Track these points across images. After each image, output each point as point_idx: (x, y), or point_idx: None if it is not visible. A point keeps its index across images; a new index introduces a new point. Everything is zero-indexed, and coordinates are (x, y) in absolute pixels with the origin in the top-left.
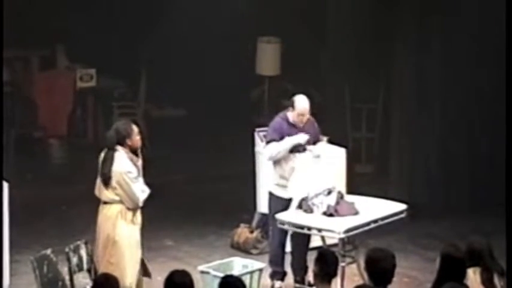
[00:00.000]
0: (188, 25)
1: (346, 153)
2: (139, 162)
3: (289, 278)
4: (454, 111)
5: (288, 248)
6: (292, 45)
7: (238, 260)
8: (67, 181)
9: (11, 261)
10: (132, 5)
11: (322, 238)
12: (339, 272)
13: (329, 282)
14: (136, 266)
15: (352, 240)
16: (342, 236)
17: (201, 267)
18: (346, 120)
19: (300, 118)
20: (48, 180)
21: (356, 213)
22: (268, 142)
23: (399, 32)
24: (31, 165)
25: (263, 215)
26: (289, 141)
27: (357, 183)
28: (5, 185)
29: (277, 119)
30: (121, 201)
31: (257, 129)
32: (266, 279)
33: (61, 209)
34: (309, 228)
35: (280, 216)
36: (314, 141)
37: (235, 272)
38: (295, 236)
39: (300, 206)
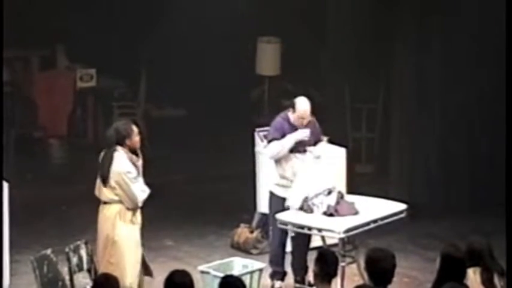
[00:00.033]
0: (188, 25)
1: (346, 153)
2: (140, 162)
3: (290, 278)
4: (454, 111)
5: (288, 247)
6: (292, 45)
7: (238, 260)
8: (67, 181)
9: (11, 261)
10: (132, 5)
11: (322, 238)
12: (339, 272)
13: (329, 282)
14: (137, 266)
15: (352, 240)
16: (342, 235)
17: (201, 267)
18: (346, 120)
19: (300, 121)
20: (48, 180)
21: (356, 213)
22: (269, 141)
23: (399, 32)
24: (31, 165)
25: (263, 215)
26: (291, 139)
27: (357, 183)
28: (5, 185)
29: (278, 119)
30: (120, 201)
31: (257, 129)
32: (266, 279)
33: (61, 209)
34: (309, 228)
35: (281, 216)
36: (315, 142)
37: (235, 272)
38: (295, 236)
39: (300, 207)
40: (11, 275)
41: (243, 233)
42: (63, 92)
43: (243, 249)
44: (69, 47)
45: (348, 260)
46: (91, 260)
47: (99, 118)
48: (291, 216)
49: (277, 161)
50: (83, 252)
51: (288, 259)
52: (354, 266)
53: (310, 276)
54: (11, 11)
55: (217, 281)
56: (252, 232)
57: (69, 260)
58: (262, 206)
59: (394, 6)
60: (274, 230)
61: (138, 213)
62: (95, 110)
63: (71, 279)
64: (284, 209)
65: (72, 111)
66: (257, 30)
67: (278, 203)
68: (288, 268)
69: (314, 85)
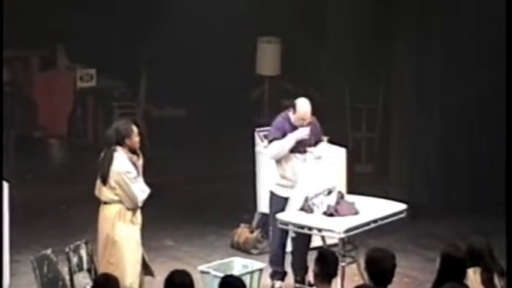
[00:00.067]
0: (188, 25)
1: (346, 153)
2: (140, 162)
3: (290, 278)
4: (454, 111)
5: (289, 247)
6: (292, 45)
7: (239, 260)
8: (67, 181)
9: (11, 261)
10: (132, 5)
11: (323, 238)
12: (339, 272)
13: (329, 282)
14: (137, 266)
15: (352, 240)
16: (342, 235)
17: (201, 267)
18: (346, 120)
19: (300, 122)
20: (48, 180)
21: (356, 213)
22: (270, 141)
23: (399, 32)
24: (31, 165)
25: (263, 215)
26: (292, 138)
27: (357, 183)
28: (5, 185)
29: (279, 119)
30: (120, 201)
31: (257, 129)
32: (266, 279)
33: (61, 209)
34: (310, 228)
35: (281, 216)
36: (315, 142)
37: (236, 272)
38: (295, 236)
39: (300, 207)
40: (11, 275)
41: (243, 233)
42: (63, 92)
43: (243, 249)
44: (69, 47)
45: (348, 260)
46: (91, 260)
47: (99, 118)
48: (291, 216)
49: (278, 161)
50: (83, 252)
51: (288, 259)
52: (354, 266)
53: (310, 276)
54: (11, 11)
55: (217, 281)
56: (252, 232)
57: (69, 260)
58: (263, 206)
59: (394, 6)
60: (275, 230)
61: (138, 213)
62: (95, 110)
63: (71, 279)
64: (284, 208)
65: (72, 111)
66: (257, 30)
67: (278, 202)
68: (288, 268)
69: (314, 85)
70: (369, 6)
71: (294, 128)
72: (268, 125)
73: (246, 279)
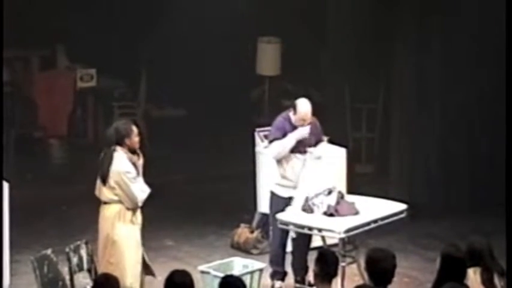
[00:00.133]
0: (188, 25)
1: (346, 153)
2: (140, 161)
3: (290, 278)
4: (454, 111)
5: (289, 248)
6: (292, 45)
7: (239, 260)
8: (67, 181)
9: (11, 261)
10: (132, 5)
11: (323, 238)
12: (339, 272)
13: (329, 282)
14: (137, 266)
15: (353, 240)
16: (342, 236)
17: (201, 267)
18: (346, 120)
19: (301, 122)
20: (48, 180)
21: (356, 213)
22: (271, 141)
23: (399, 32)
24: (31, 165)
25: (263, 215)
26: (292, 138)
27: (357, 183)
28: (5, 185)
29: (280, 118)
30: (120, 201)
31: (257, 129)
32: (266, 279)
33: (61, 209)
34: (310, 228)
35: (281, 216)
36: (316, 142)
37: (236, 272)
38: (296, 236)
39: (302, 208)
40: (11, 275)
41: (243, 233)
42: (63, 92)
43: (243, 249)
44: (69, 47)
45: (348, 260)
46: (91, 260)
47: (99, 118)
48: (291, 217)
49: (278, 161)
50: (83, 252)
51: (289, 259)
52: (354, 266)
53: (310, 276)
54: (11, 11)
55: (217, 281)
56: (252, 232)
57: (69, 260)
58: (263, 206)
59: (394, 6)
60: (275, 230)
61: (138, 213)
62: (95, 110)
63: (71, 279)
64: (285, 208)
65: (73, 111)
66: (257, 30)
67: (279, 202)
68: (288, 268)
69: (314, 85)
70: (369, 6)
71: (295, 128)
72: (269, 125)
73: (246, 279)
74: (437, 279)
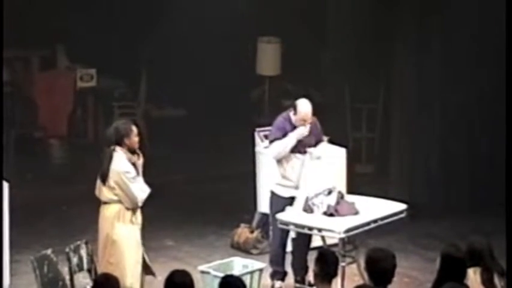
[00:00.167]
0: (188, 25)
1: (346, 153)
2: (140, 161)
3: (290, 278)
4: (454, 111)
5: (289, 247)
6: (293, 45)
7: (239, 260)
8: (67, 181)
9: (11, 261)
10: (132, 5)
11: (323, 238)
12: (339, 272)
13: (329, 282)
14: (138, 266)
15: (353, 240)
16: (342, 235)
17: (202, 267)
18: (346, 120)
19: (301, 123)
20: (49, 180)
21: (356, 213)
22: (271, 141)
23: (399, 32)
24: (31, 165)
25: (263, 215)
26: (292, 138)
27: (357, 183)
28: (5, 185)
29: (280, 118)
30: (120, 201)
31: (257, 129)
32: (266, 279)
33: (61, 209)
34: (310, 228)
35: (281, 216)
36: (316, 142)
37: (236, 272)
38: (296, 236)
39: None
40: (11, 275)
41: (243, 233)
42: (64, 92)
43: (243, 249)
44: (69, 47)
45: (348, 260)
46: (91, 260)
47: (99, 118)
48: (291, 216)
49: (279, 161)
50: (83, 252)
51: (289, 259)
52: (354, 266)
53: (310, 276)
54: (11, 11)
55: (217, 281)
56: (252, 232)
57: (69, 260)
58: (263, 206)
59: (394, 6)
60: (275, 229)
61: (138, 213)
62: (95, 110)
63: (71, 279)
64: (285, 208)
65: (73, 111)
66: (257, 30)
67: (279, 202)
68: (288, 268)
69: (314, 85)
70: (369, 6)
71: (295, 128)
72: (269, 125)
73: (246, 279)
74: (437, 279)
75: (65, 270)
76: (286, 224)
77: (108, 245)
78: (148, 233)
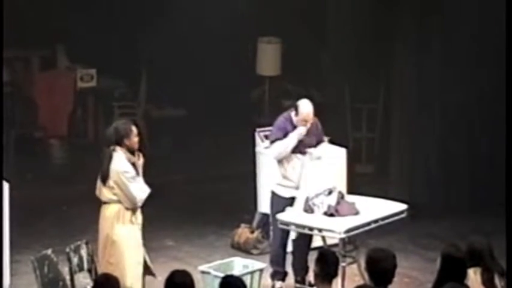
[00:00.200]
0: (188, 25)
1: (346, 153)
2: (140, 161)
3: (290, 278)
4: (454, 111)
5: (289, 248)
6: (293, 46)
7: (239, 260)
8: (67, 181)
9: (12, 261)
10: (132, 5)
11: (323, 238)
12: (340, 272)
13: (330, 282)
14: (139, 267)
15: (353, 240)
16: (343, 236)
17: (202, 267)
18: (346, 120)
19: (303, 123)
20: (49, 180)
21: (356, 213)
22: (272, 141)
23: (399, 32)
24: (31, 165)
25: (264, 215)
26: (293, 138)
27: (357, 183)
28: (5, 185)
29: (281, 119)
30: (119, 201)
31: (257, 129)
32: (267, 280)
33: (62, 209)
34: (310, 229)
35: (281, 216)
36: (317, 142)
37: (236, 272)
38: (296, 236)
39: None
40: (12, 275)
41: (243, 233)
42: (64, 92)
43: (243, 250)
44: (69, 47)
45: (349, 260)
46: (92, 260)
47: (99, 118)
48: (292, 217)
49: (280, 161)
50: (84, 252)
51: (289, 259)
52: (355, 266)
53: (310, 277)
54: (11, 11)
55: (217, 281)
56: (252, 232)
57: (69, 260)
58: (263, 206)
59: (394, 6)
60: (276, 230)
61: (138, 213)
62: (96, 110)
63: (72, 280)
64: (285, 209)
65: (73, 112)
66: (257, 30)
67: (280, 203)
68: (289, 268)
69: (314, 85)
70: (369, 6)
71: (296, 128)
72: (269, 125)
73: (247, 280)
74: (437, 279)
75: (65, 271)
76: (287, 224)
77: (108, 245)
78: (149, 233)
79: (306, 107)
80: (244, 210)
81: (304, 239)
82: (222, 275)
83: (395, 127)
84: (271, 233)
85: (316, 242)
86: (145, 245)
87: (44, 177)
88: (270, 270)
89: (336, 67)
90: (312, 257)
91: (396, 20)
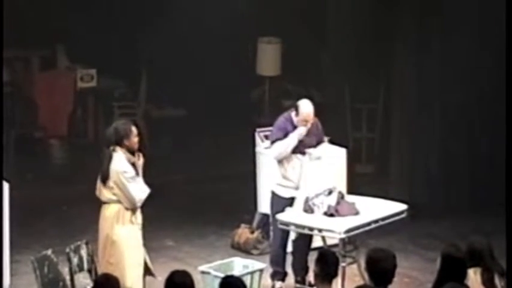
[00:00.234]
0: (188, 25)
1: (346, 153)
2: (140, 161)
3: (290, 278)
4: (454, 111)
5: (289, 248)
6: (293, 46)
7: (239, 260)
8: (67, 181)
9: (12, 261)
10: (132, 5)
11: (323, 238)
12: (340, 272)
13: (330, 282)
14: (139, 268)
15: (353, 240)
16: (343, 236)
17: (202, 268)
18: (346, 120)
19: (303, 124)
20: (49, 180)
21: (356, 213)
22: (273, 142)
23: (399, 32)
24: (31, 165)
25: (264, 215)
26: (294, 138)
27: (357, 184)
28: (5, 185)
29: (282, 119)
30: (119, 201)
31: (257, 129)
32: (267, 280)
33: (62, 209)
34: (310, 229)
35: (281, 216)
36: (317, 143)
37: (236, 272)
38: (296, 236)
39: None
40: (12, 275)
41: (243, 233)
42: (64, 92)
43: (243, 250)
44: (69, 47)
45: (349, 260)
46: (92, 260)
47: (99, 118)
48: (292, 217)
49: (280, 161)
50: (84, 252)
51: (289, 259)
52: (355, 266)
53: (310, 277)
54: (11, 11)
55: (217, 281)
56: (252, 232)
57: (69, 260)
58: (263, 206)
59: (394, 6)
60: (276, 230)
61: (138, 213)
62: (96, 110)
63: (72, 280)
64: (285, 209)
65: (73, 112)
66: (257, 30)
67: (280, 203)
68: (289, 268)
69: (314, 85)
70: (369, 6)
71: (296, 128)
72: (269, 125)
73: (247, 280)
74: (437, 279)
75: (65, 271)
76: (287, 224)
77: (108, 245)
78: (149, 233)
79: (306, 107)
80: (244, 210)
81: (304, 239)
82: (222, 275)
83: (395, 127)
84: (271, 233)
85: (316, 242)
86: (145, 245)
87: (44, 177)
88: (270, 270)
89: (336, 67)
90: (312, 257)
91: (396, 20)
